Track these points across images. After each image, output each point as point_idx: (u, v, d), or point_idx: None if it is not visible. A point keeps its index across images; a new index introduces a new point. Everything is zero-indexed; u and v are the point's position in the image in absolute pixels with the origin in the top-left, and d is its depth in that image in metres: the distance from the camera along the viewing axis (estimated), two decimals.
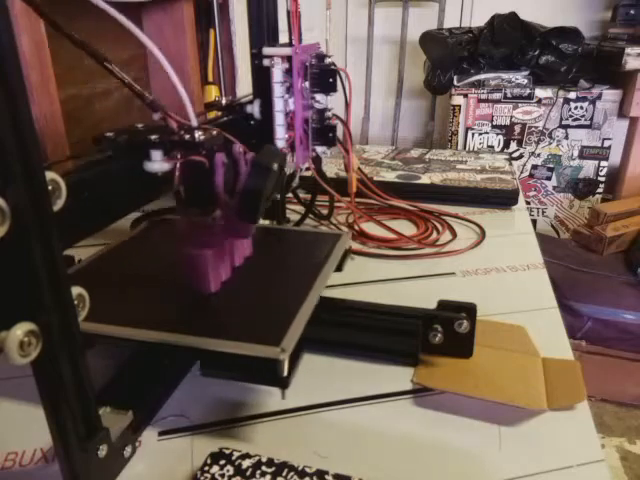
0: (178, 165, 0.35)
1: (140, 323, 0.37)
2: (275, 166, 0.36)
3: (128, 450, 0.35)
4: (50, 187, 0.25)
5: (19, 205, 0.23)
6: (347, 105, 0.59)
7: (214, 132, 0.36)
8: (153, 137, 0.35)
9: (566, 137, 1.66)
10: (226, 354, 0.35)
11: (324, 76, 0.53)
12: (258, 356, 0.34)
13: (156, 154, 0.35)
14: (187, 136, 0.35)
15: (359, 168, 0.72)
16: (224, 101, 0.55)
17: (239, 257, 0.46)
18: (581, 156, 1.68)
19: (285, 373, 0.34)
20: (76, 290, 0.28)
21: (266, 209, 0.63)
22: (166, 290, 0.43)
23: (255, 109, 0.54)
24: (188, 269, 0.41)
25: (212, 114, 0.56)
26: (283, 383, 0.35)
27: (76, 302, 0.28)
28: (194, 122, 0.35)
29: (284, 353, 0.34)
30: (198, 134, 0.35)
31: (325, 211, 0.70)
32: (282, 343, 0.34)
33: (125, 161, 0.35)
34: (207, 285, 0.41)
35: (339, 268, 0.51)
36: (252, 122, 0.55)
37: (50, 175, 0.26)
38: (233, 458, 0.33)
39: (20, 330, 0.24)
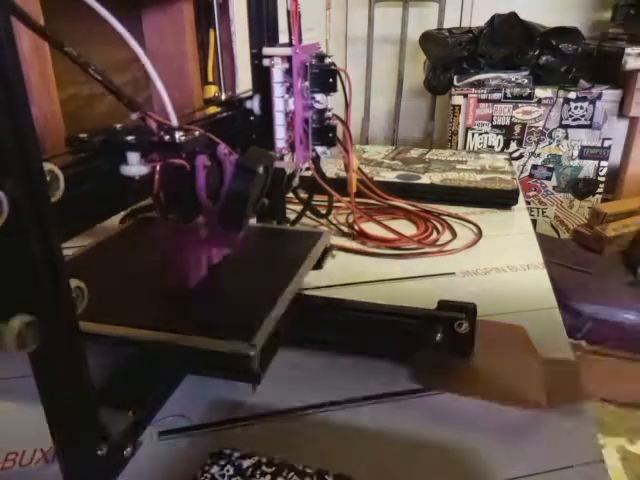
0: (157, 168, 0.34)
1: (111, 320, 0.37)
2: (261, 169, 0.34)
3: (128, 450, 0.35)
4: (48, 178, 0.25)
5: (17, 196, 0.23)
6: (347, 105, 0.59)
7: (196, 133, 0.34)
8: (129, 138, 0.33)
9: (566, 137, 1.66)
10: (199, 350, 0.35)
11: (324, 76, 0.53)
12: (230, 352, 0.34)
13: (133, 157, 0.33)
14: (167, 137, 0.33)
15: (359, 168, 0.72)
16: (223, 96, 0.55)
17: (217, 255, 0.46)
18: (581, 156, 1.68)
19: (256, 368, 0.35)
20: (74, 282, 0.28)
21: (266, 209, 0.63)
22: (141, 288, 0.43)
23: (255, 105, 0.54)
24: (165, 266, 0.41)
25: (212, 110, 0.56)
26: (255, 378, 0.36)
27: (74, 294, 0.28)
28: (174, 122, 0.34)
29: (255, 349, 0.34)
30: (178, 135, 0.33)
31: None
32: (253, 339, 0.35)
33: (100, 163, 0.34)
34: (183, 282, 0.41)
35: (319, 266, 0.51)
36: (252, 118, 0.55)
37: (48, 166, 0.26)
38: (233, 458, 0.33)
39: (18, 321, 0.24)
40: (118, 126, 0.36)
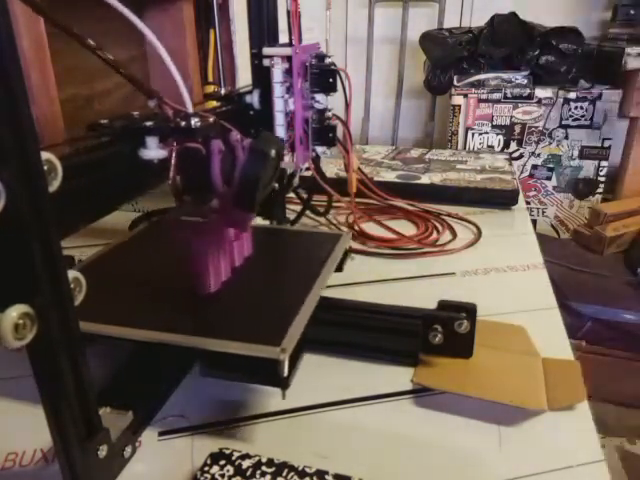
0: (174, 153, 0.35)
1: (139, 323, 0.37)
2: (272, 152, 0.34)
3: (128, 450, 0.35)
4: (46, 167, 0.25)
5: (14, 185, 0.23)
6: (347, 105, 0.59)
7: (210, 119, 0.35)
8: (149, 123, 0.34)
9: (566, 137, 1.66)
10: (226, 354, 0.35)
11: (324, 76, 0.53)
12: (258, 356, 0.34)
13: (152, 141, 0.34)
14: (183, 123, 0.34)
15: (359, 168, 0.72)
16: (223, 91, 0.55)
17: (239, 257, 0.46)
18: (581, 156, 1.68)
19: (286, 373, 0.34)
20: (72, 274, 0.27)
21: (266, 209, 0.62)
22: (166, 290, 0.43)
23: (254, 99, 0.54)
24: (188, 269, 0.41)
25: (211, 104, 0.56)
26: (284, 383, 0.35)
27: (72, 286, 0.27)
28: (190, 109, 0.35)
29: (284, 353, 0.34)
30: (194, 121, 0.34)
31: None
32: (282, 343, 0.34)
33: (121, 147, 0.35)
34: (207, 285, 0.41)
35: (339, 268, 0.51)
36: (252, 112, 0.55)
37: (46, 155, 0.25)
38: (233, 458, 0.33)
39: (15, 312, 0.24)
40: (135, 113, 0.37)
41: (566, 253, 1.58)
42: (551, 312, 0.53)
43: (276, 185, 0.41)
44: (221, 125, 0.37)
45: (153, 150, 0.34)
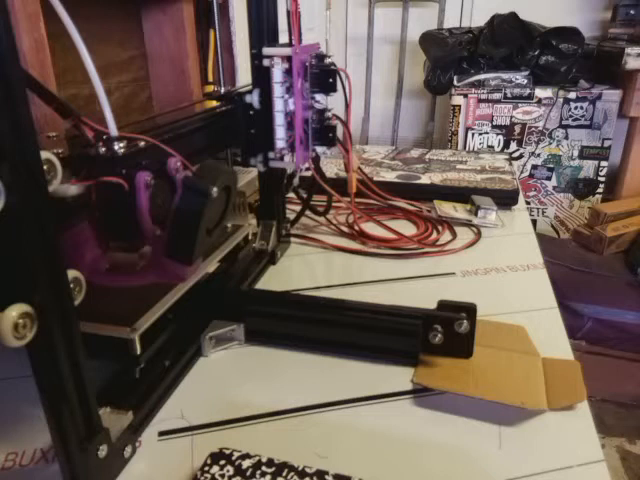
0: (93, 187, 0.29)
1: None
2: (214, 190, 0.28)
3: (128, 450, 0.35)
4: (45, 167, 0.25)
5: (14, 185, 0.23)
6: (347, 105, 0.59)
7: (141, 143, 0.30)
8: (55, 151, 0.28)
9: (566, 137, 1.66)
10: (89, 335, 0.35)
11: (324, 76, 0.53)
12: (113, 336, 0.36)
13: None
14: (103, 149, 0.29)
15: (359, 168, 0.72)
16: (222, 90, 0.55)
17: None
18: (581, 156, 1.68)
19: (138, 351, 0.36)
20: (72, 273, 0.27)
21: (266, 209, 0.62)
22: None
23: (254, 99, 0.54)
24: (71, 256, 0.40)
25: (210, 104, 0.56)
26: (136, 360, 0.37)
27: (72, 285, 0.27)
28: (113, 131, 0.29)
29: (134, 332, 0.35)
30: (118, 146, 0.29)
31: None
32: (135, 324, 0.36)
33: None
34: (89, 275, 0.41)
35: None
36: (251, 112, 0.54)
37: (45, 155, 0.25)
38: (233, 458, 0.33)
39: (15, 311, 0.24)
40: (52, 134, 0.32)
41: (566, 253, 1.58)
42: (551, 312, 0.53)
43: (229, 225, 0.39)
44: (160, 149, 0.31)
45: (63, 185, 0.28)
